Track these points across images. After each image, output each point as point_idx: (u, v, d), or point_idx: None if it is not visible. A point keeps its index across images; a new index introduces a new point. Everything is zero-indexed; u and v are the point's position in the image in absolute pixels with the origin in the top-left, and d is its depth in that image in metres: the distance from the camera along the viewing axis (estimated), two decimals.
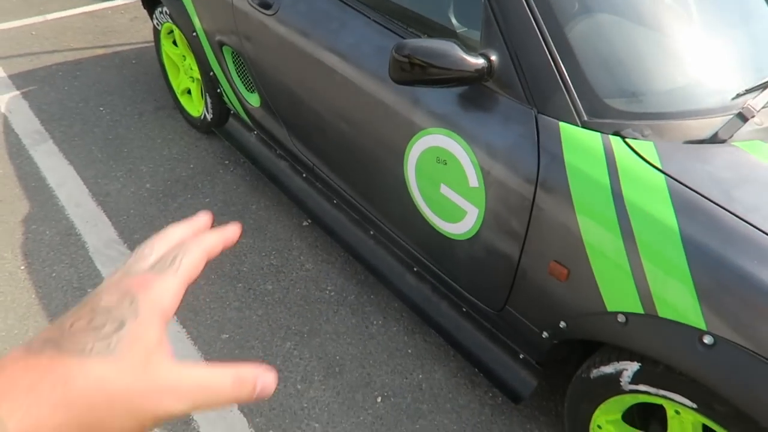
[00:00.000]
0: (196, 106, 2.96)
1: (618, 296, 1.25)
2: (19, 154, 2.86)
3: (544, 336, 1.50)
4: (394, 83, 1.53)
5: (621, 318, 1.25)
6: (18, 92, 3.33)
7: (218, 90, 2.66)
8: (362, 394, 1.88)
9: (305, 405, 1.85)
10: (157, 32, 2.97)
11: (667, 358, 1.19)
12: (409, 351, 2.01)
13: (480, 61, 1.40)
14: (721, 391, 1.12)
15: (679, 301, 1.15)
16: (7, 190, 2.64)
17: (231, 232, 0.42)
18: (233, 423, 1.79)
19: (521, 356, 1.68)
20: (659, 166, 1.22)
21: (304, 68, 1.96)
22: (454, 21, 1.66)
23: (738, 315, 1.08)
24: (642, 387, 1.31)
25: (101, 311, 0.32)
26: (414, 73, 1.41)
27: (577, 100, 1.34)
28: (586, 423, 1.51)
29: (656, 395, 1.29)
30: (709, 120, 1.32)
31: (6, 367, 0.29)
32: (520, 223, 1.40)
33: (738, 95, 1.36)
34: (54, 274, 2.26)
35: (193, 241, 0.39)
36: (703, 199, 1.16)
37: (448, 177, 1.55)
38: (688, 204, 1.16)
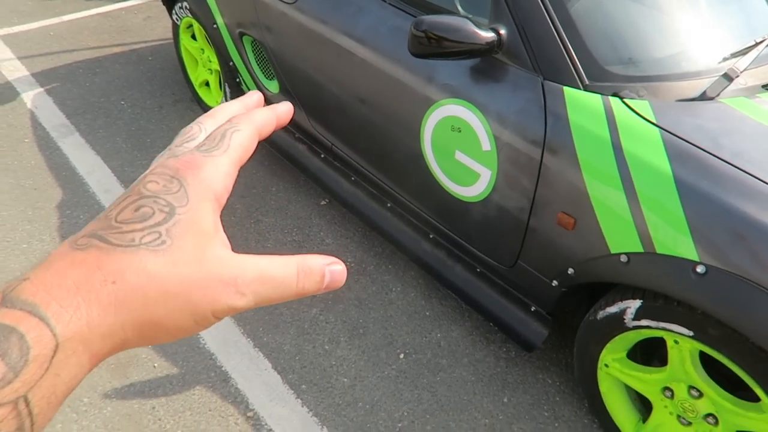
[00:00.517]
0: (215, 97, 3.11)
1: (620, 239, 1.40)
2: (48, 146, 3.01)
3: (553, 285, 1.64)
4: (412, 58, 1.68)
5: (623, 258, 1.40)
6: (42, 89, 3.48)
7: (237, 79, 2.81)
8: (385, 352, 2.03)
9: (333, 363, 1.99)
10: (176, 27, 3.12)
11: (665, 289, 1.34)
12: (427, 313, 2.16)
13: (490, 35, 1.55)
14: (713, 314, 1.27)
15: (674, 237, 1.30)
16: (40, 179, 2.79)
17: (283, 109, 0.39)
18: (268, 380, 1.94)
19: (533, 309, 1.83)
20: (654, 121, 1.37)
21: (324, 52, 2.11)
22: (459, 7, 1.81)
23: (726, 245, 1.23)
24: (644, 322, 1.45)
25: (148, 198, 0.30)
26: (431, 46, 1.56)
27: (579, 67, 1.48)
28: (594, 363, 1.66)
29: (657, 328, 1.44)
30: (699, 81, 1.47)
31: (52, 264, 0.27)
32: (529, 179, 1.55)
33: (724, 59, 1.52)
34: None
35: (244, 118, 0.36)
36: (694, 147, 1.31)
37: (462, 143, 1.70)
38: (680, 152, 1.31)
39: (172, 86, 3.52)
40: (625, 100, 1.43)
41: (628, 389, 1.68)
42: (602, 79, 1.48)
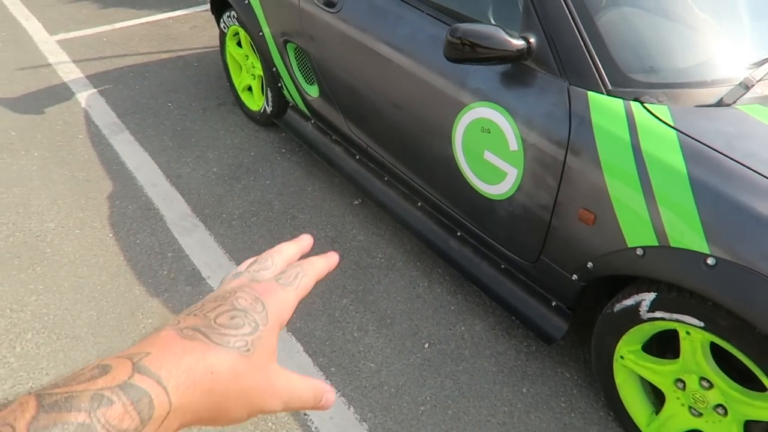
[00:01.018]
0: (257, 101, 3.28)
1: (637, 233, 1.49)
2: (100, 143, 3.21)
3: (573, 279, 1.74)
4: (446, 64, 1.81)
5: (639, 251, 1.49)
6: (95, 90, 3.70)
7: (279, 84, 2.97)
8: (411, 342, 2.14)
9: (361, 349, 2.11)
10: (222, 35, 3.31)
11: (678, 280, 1.43)
12: (452, 308, 2.27)
13: (521, 43, 1.67)
14: (723, 304, 1.35)
15: (686, 232, 1.39)
16: (92, 172, 2.98)
17: (333, 259, 0.50)
18: (300, 361, 2.06)
19: (553, 304, 1.92)
20: (672, 124, 1.47)
21: (364, 59, 2.25)
22: (491, 18, 1.94)
23: (735, 239, 1.32)
24: (658, 314, 1.54)
25: (240, 311, 0.38)
26: (465, 52, 1.68)
27: (603, 73, 1.59)
28: (610, 355, 1.74)
29: (670, 320, 1.52)
30: (716, 89, 1.56)
31: (161, 339, 0.35)
32: (553, 178, 1.66)
33: (742, 69, 1.61)
34: (138, 241, 2.57)
35: (311, 266, 0.47)
36: (708, 148, 1.41)
37: (491, 143, 1.81)
38: (695, 152, 1.41)
39: (216, 90, 3.71)
40: (645, 104, 1.54)
41: (643, 382, 1.76)
42: (624, 85, 1.59)
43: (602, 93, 1.58)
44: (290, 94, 2.93)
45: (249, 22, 2.91)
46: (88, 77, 3.84)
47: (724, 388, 1.50)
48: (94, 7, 4.91)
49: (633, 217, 1.49)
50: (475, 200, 1.98)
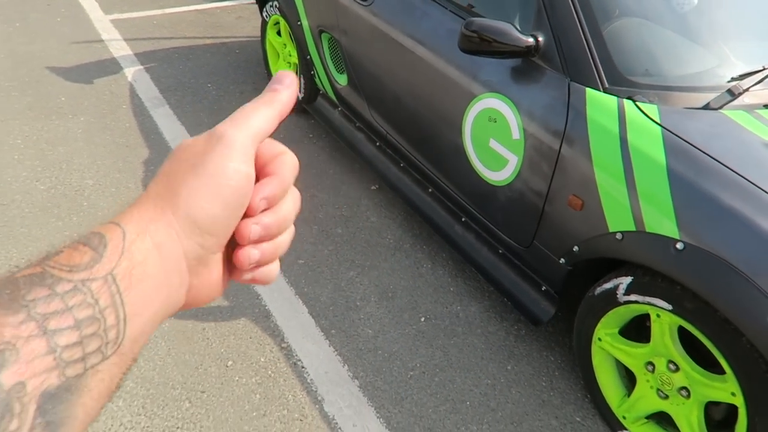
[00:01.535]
0: None
1: (617, 218, 1.62)
2: (141, 113, 3.44)
3: (561, 262, 1.87)
4: (460, 57, 1.96)
5: (618, 236, 1.62)
6: (141, 66, 3.95)
7: (312, 72, 3.16)
8: (408, 315, 2.28)
9: (362, 316, 2.26)
10: (264, 24, 3.52)
11: (650, 263, 1.55)
12: (451, 289, 2.41)
13: (530, 40, 1.82)
14: (688, 285, 1.47)
15: (661, 218, 1.51)
16: (132, 139, 3.21)
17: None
18: (304, 321, 2.22)
19: (543, 288, 2.04)
20: (658, 121, 1.60)
21: (389, 50, 2.42)
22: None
23: (703, 226, 1.44)
24: (633, 297, 1.66)
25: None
26: (478, 44, 1.83)
27: (602, 72, 1.73)
28: (589, 336, 1.86)
29: (643, 302, 1.64)
30: (705, 94, 1.69)
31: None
32: (548, 165, 1.80)
33: (732, 79, 1.73)
34: None
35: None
36: (687, 143, 1.53)
37: (496, 132, 1.96)
38: (675, 146, 1.54)
39: (253, 77, 3.92)
40: (637, 102, 1.67)
41: (618, 366, 1.87)
42: (621, 84, 1.72)
43: (599, 90, 1.72)
44: (321, 82, 3.11)
45: (289, 12, 3.11)
46: (136, 55, 4.09)
47: (688, 370, 1.61)
48: None
49: (615, 204, 1.62)
50: (480, 186, 2.12)
